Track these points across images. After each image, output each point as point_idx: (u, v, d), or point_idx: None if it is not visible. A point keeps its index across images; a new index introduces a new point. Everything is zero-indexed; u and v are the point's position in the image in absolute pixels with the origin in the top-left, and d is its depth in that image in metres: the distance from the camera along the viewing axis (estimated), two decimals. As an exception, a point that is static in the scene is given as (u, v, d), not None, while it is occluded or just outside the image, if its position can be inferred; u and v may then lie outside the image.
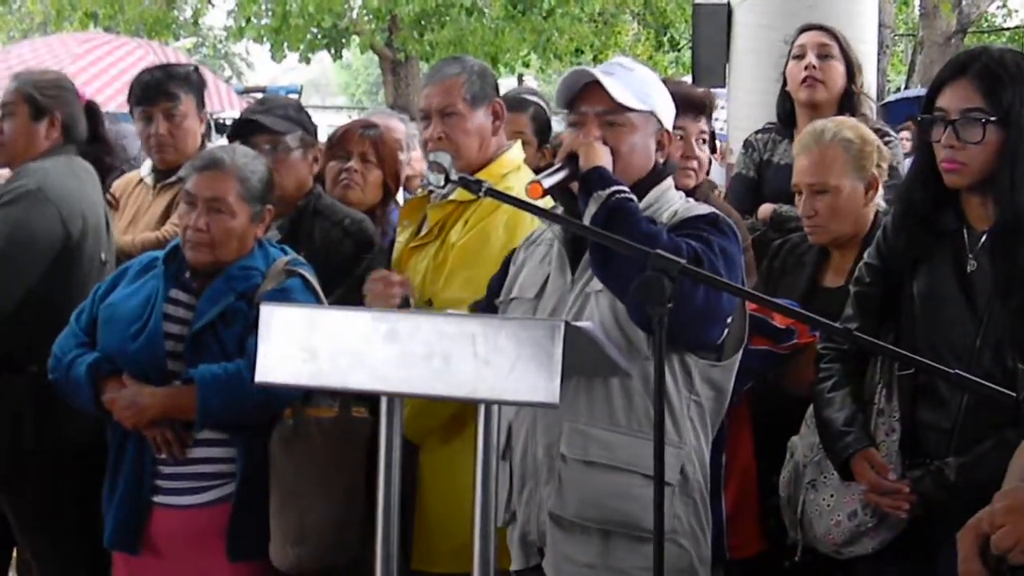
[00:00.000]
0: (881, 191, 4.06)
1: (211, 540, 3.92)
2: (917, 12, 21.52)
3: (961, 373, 2.58)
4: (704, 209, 3.38)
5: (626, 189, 3.23)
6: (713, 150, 4.49)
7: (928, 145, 3.33)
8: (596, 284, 3.28)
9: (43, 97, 4.58)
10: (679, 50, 21.76)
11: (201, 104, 4.93)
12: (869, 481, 3.36)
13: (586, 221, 3.18)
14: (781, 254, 4.17)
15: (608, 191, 3.19)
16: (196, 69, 5.06)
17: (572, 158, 3.28)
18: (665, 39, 21.83)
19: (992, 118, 3.20)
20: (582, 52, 20.28)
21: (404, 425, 2.88)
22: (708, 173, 4.49)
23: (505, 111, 4.17)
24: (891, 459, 3.38)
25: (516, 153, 4.20)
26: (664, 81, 3.63)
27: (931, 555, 3.32)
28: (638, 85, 3.40)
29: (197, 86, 4.94)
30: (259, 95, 18.70)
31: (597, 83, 3.35)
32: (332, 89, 53.19)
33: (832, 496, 3.50)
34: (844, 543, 3.47)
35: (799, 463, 3.63)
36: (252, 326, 3.69)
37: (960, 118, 3.22)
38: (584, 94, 3.39)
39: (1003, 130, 3.21)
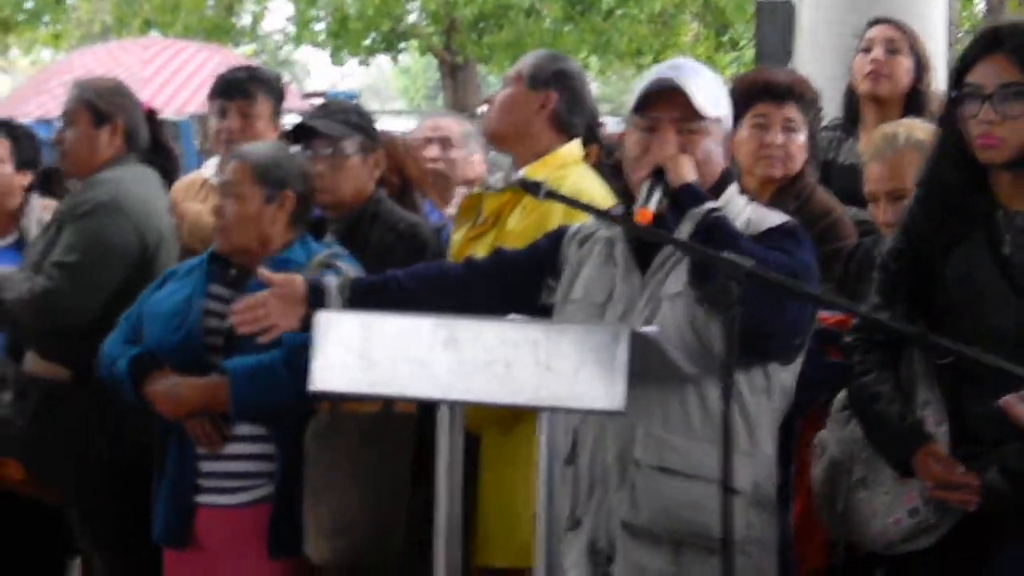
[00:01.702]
0: None
1: (252, 538, 3.95)
2: (981, 9, 21.30)
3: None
4: (778, 218, 3.32)
5: (718, 205, 3.18)
6: (809, 140, 4.27)
7: (955, 123, 3.27)
8: (669, 288, 3.22)
9: (104, 103, 4.58)
10: (740, 49, 21.65)
11: (277, 113, 4.91)
12: (936, 476, 3.26)
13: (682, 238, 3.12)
14: (855, 258, 4.06)
15: (704, 209, 3.14)
16: (279, 78, 5.08)
17: (659, 173, 3.20)
18: (725, 39, 21.72)
19: None
20: (642, 53, 20.22)
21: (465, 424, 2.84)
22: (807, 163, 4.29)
23: (555, 105, 4.13)
24: (944, 450, 3.30)
25: (574, 148, 4.17)
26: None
27: (987, 550, 3.26)
28: (711, 89, 3.32)
29: (278, 94, 4.94)
30: (317, 100, 18.83)
31: (674, 88, 3.25)
32: (391, 93, 53.35)
33: (887, 494, 3.39)
34: (902, 540, 3.36)
35: (836, 460, 3.53)
36: None
37: (996, 92, 3.17)
38: (658, 98, 3.28)
39: None
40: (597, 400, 2.61)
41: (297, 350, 3.73)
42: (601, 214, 3.24)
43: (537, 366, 2.62)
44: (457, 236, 4.21)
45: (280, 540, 3.94)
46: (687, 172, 3.20)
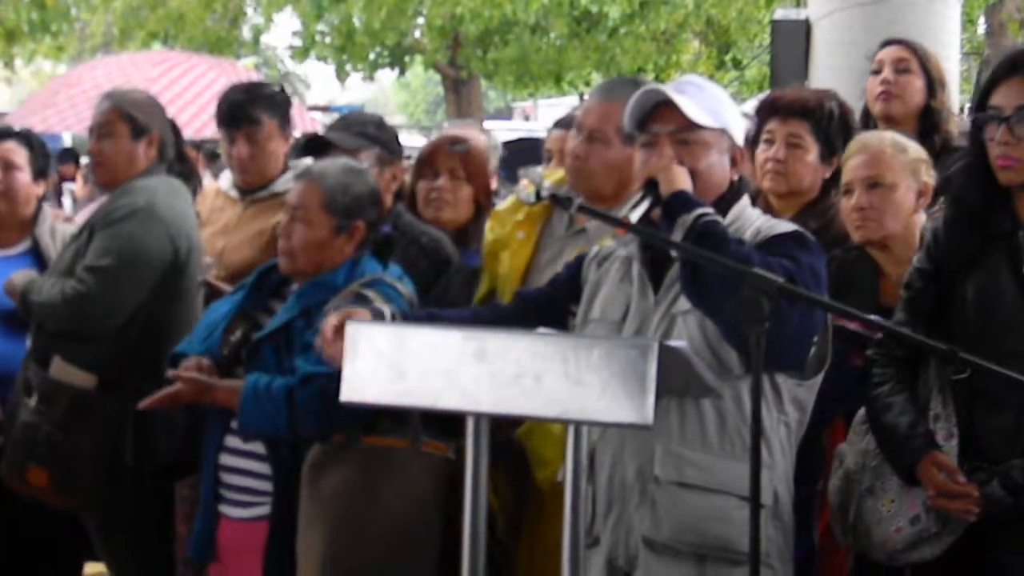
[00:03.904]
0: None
1: (253, 556, 3.92)
2: (982, 31, 21.34)
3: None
4: (787, 226, 3.33)
5: (711, 211, 3.18)
6: (829, 158, 4.24)
7: (981, 144, 3.31)
8: (682, 305, 3.23)
9: (142, 116, 4.62)
10: (741, 69, 21.68)
11: (285, 124, 4.85)
12: (938, 485, 3.30)
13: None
14: (830, 272, 4.06)
15: (693, 215, 3.14)
16: (282, 89, 5.02)
17: (652, 184, 3.22)
18: (727, 57, 21.75)
19: None
20: (644, 71, 20.24)
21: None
22: (827, 182, 4.26)
23: None
24: (951, 462, 3.32)
25: None
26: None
27: (992, 563, 3.29)
28: (710, 102, 3.34)
29: (282, 107, 4.87)
30: (319, 114, 18.83)
31: (669, 102, 3.28)
32: (391, 108, 53.41)
33: (893, 502, 3.44)
34: (904, 549, 3.40)
35: (850, 470, 3.57)
36: (306, 346, 3.77)
37: (1015, 114, 3.22)
38: (655, 114, 3.32)
39: None
40: (626, 414, 2.59)
41: (305, 380, 3.75)
42: (618, 223, 3.23)
43: (566, 379, 2.61)
44: (525, 250, 4.11)
45: (275, 561, 3.90)
46: (678, 181, 3.21)
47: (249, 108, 4.77)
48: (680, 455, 3.20)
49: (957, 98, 7.37)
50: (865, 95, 5.07)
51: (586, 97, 4.30)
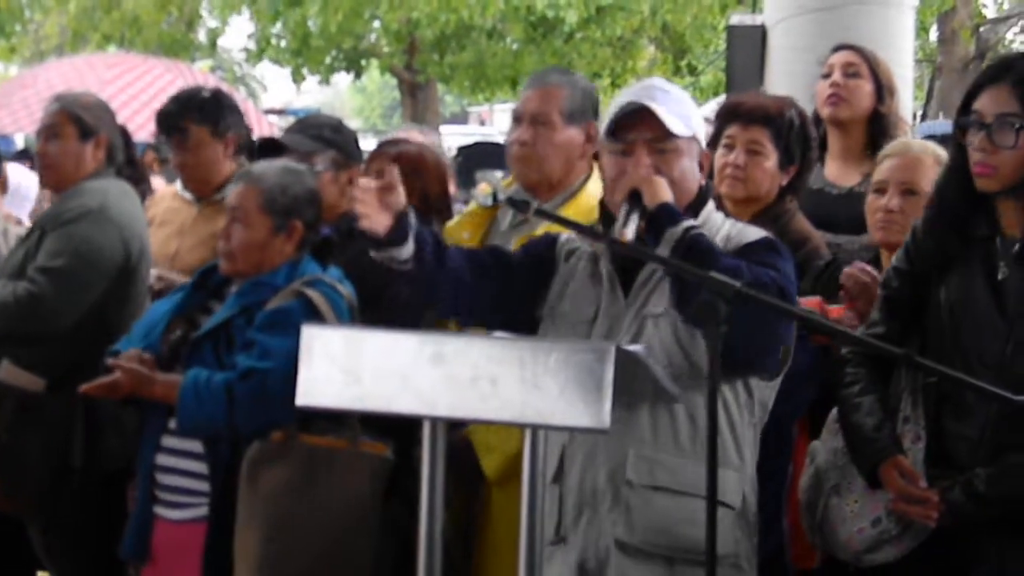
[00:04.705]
0: None
1: (190, 558, 3.91)
2: (935, 38, 21.48)
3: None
4: (756, 232, 3.35)
5: (695, 223, 3.18)
6: (787, 166, 4.25)
7: (962, 148, 3.32)
8: (653, 308, 3.24)
9: (90, 118, 4.60)
10: (696, 74, 21.74)
11: (219, 129, 4.82)
12: (898, 488, 3.32)
13: None
14: (825, 276, 4.09)
15: (681, 228, 3.14)
16: (213, 94, 4.98)
17: (635, 196, 3.21)
18: (683, 64, 21.80)
19: None
20: (600, 76, 20.28)
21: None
22: (784, 189, 4.28)
23: (597, 135, 3.99)
24: (917, 467, 3.35)
25: (596, 186, 4.12)
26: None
27: (960, 570, 3.30)
28: (679, 108, 3.35)
29: (212, 113, 4.85)
30: (274, 117, 18.78)
31: (644, 110, 3.28)
32: (347, 112, 53.25)
33: (856, 502, 3.46)
34: (866, 550, 3.42)
35: (820, 468, 3.59)
36: (247, 343, 3.81)
37: (994, 122, 3.22)
38: (629, 121, 3.31)
39: None
40: (582, 418, 2.59)
41: (245, 374, 3.76)
42: (593, 234, 3.24)
43: (523, 383, 2.61)
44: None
45: (213, 562, 3.89)
46: (662, 193, 3.21)
47: (177, 118, 4.80)
48: (653, 459, 3.21)
49: (910, 105, 7.39)
50: (815, 99, 5.09)
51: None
